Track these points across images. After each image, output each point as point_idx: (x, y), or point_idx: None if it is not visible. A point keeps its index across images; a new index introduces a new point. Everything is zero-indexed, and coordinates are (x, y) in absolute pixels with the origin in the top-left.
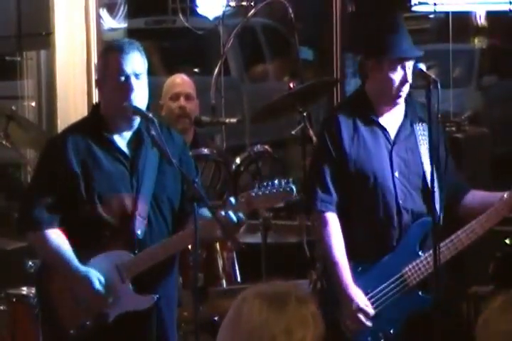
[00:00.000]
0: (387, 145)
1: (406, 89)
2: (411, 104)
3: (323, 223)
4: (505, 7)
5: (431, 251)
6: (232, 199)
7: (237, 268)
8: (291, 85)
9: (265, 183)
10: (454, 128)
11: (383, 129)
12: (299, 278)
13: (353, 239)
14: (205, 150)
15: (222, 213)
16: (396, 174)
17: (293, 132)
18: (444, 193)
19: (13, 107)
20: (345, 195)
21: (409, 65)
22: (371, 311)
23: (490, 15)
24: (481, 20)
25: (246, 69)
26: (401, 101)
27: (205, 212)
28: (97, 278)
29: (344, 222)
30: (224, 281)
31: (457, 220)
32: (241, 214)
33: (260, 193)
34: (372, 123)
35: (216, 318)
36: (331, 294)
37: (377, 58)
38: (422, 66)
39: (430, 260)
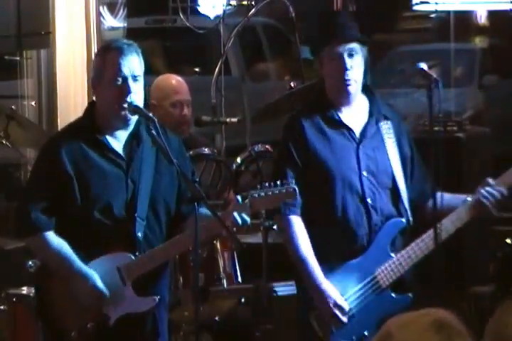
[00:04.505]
0: (352, 145)
1: (352, 75)
2: (375, 102)
3: (288, 225)
4: (507, 6)
5: (403, 252)
6: (239, 198)
7: (237, 268)
8: (292, 85)
9: (267, 184)
10: (455, 128)
11: (348, 129)
12: None
13: (323, 241)
14: (206, 150)
15: (235, 214)
16: (364, 173)
17: None
18: (409, 192)
19: (13, 107)
20: (313, 197)
21: (348, 50)
22: (346, 307)
23: (491, 14)
24: (483, 19)
25: (247, 68)
26: (352, 89)
27: (206, 211)
28: (99, 277)
29: (313, 224)
30: (224, 281)
31: (426, 221)
32: (245, 216)
33: (263, 194)
34: (336, 123)
35: (216, 318)
36: (303, 295)
37: (322, 52)
38: (424, 65)
39: (402, 261)
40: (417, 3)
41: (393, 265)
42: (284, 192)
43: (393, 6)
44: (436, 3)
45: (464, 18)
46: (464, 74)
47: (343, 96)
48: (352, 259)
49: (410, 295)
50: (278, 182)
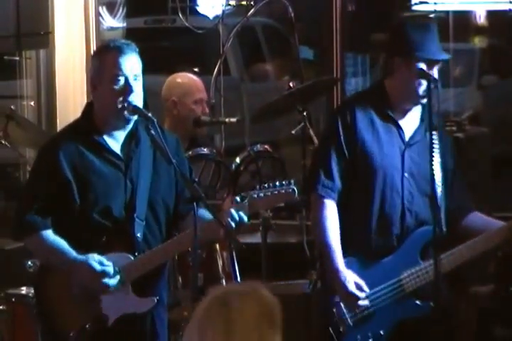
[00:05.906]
0: (400, 145)
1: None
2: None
3: (321, 207)
4: (506, 6)
5: (431, 261)
6: (238, 198)
7: (236, 268)
8: (291, 85)
9: (266, 185)
10: (454, 128)
11: (399, 128)
12: (299, 278)
13: (354, 232)
14: (205, 150)
15: (232, 211)
16: (406, 175)
17: (293, 132)
18: (447, 204)
19: (13, 107)
20: (351, 186)
21: (436, 67)
22: (361, 295)
23: (490, 14)
24: (481, 19)
25: (246, 68)
26: (423, 101)
27: (205, 212)
28: (96, 261)
29: (347, 214)
30: (224, 281)
31: (459, 236)
32: (242, 214)
33: (262, 195)
34: (389, 120)
35: None
36: (326, 281)
37: (407, 56)
38: (422, 65)
39: (430, 269)
40: (416, 4)
41: (420, 272)
42: (284, 193)
43: (392, 6)
44: (435, 3)
45: (463, 18)
46: (463, 74)
47: (410, 105)
48: (381, 254)
49: (432, 304)
50: (277, 183)
